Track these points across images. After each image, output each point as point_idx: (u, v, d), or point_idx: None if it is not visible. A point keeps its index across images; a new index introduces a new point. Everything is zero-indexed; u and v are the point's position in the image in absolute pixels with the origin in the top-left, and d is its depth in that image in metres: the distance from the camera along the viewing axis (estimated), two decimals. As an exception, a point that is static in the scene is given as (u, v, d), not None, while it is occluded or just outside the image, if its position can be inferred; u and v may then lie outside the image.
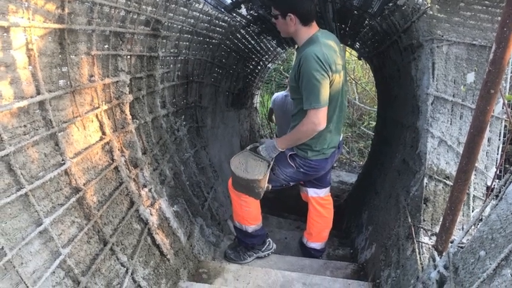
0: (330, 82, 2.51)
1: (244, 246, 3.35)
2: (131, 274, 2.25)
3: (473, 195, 2.38)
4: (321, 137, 2.72)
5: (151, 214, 2.61)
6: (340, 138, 3.00)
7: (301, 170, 2.88)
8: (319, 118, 2.51)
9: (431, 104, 2.59)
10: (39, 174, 1.75)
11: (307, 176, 3.00)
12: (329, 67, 2.45)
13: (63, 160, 1.90)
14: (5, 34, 1.53)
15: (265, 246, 3.39)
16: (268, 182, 2.89)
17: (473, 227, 1.83)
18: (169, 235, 2.79)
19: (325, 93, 2.48)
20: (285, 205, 4.99)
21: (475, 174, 2.42)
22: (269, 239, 3.45)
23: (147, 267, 2.43)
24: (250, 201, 3.06)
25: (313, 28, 2.63)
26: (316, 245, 3.48)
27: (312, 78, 2.43)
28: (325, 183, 3.28)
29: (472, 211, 2.32)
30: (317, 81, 2.43)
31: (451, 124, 2.55)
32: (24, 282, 1.54)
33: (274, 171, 2.90)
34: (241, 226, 3.23)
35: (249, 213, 3.15)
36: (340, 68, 2.60)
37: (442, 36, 2.55)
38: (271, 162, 2.85)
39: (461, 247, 1.49)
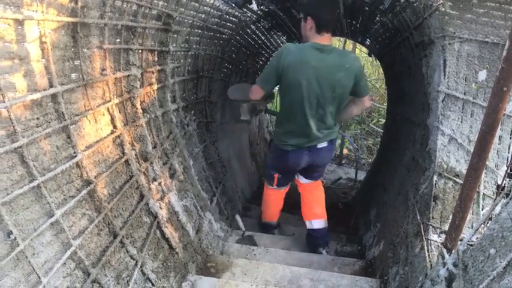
0: (280, 75, 2.79)
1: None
2: (140, 267, 2.27)
3: (483, 193, 2.37)
4: (284, 128, 3.10)
5: (160, 208, 2.62)
6: (318, 146, 3.09)
7: (273, 155, 3.36)
8: (252, 90, 3.04)
9: (442, 101, 2.58)
10: (51, 166, 1.77)
11: (281, 163, 3.33)
12: (286, 62, 2.72)
13: (74, 153, 1.92)
14: (19, 27, 1.55)
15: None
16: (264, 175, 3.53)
17: (482, 225, 1.83)
18: (178, 229, 2.81)
19: (266, 77, 2.92)
20: (293, 201, 4.99)
21: (485, 173, 2.41)
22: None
23: (156, 260, 2.45)
24: (271, 197, 3.69)
25: (324, 39, 2.77)
26: (314, 223, 3.57)
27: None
28: (313, 178, 3.53)
29: (482, 209, 2.31)
30: (268, 64, 2.90)
31: (461, 122, 2.53)
32: (36, 273, 1.56)
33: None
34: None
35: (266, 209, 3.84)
36: (311, 78, 2.74)
37: (454, 33, 2.53)
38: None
39: (471, 245, 1.49)
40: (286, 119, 3.06)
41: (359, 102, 3.05)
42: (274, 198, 3.69)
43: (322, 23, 2.73)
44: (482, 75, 2.48)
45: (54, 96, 1.79)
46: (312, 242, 3.60)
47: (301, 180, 3.54)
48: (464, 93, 2.53)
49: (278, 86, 3.00)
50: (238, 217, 4.04)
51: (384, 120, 7.08)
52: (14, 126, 1.53)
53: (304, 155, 3.15)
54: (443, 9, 2.56)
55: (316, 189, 3.60)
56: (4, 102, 1.48)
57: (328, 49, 2.76)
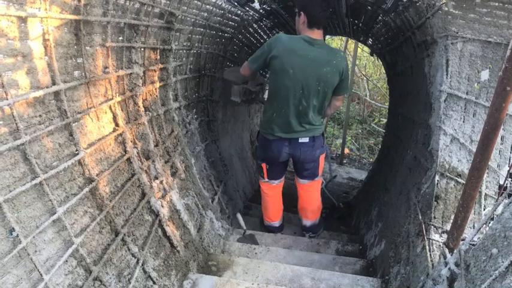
0: (268, 61, 2.95)
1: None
2: (142, 265, 2.27)
3: (485, 193, 2.37)
4: (267, 115, 3.22)
5: (162, 206, 2.63)
6: (300, 140, 3.23)
7: (259, 144, 3.49)
8: (243, 66, 3.26)
9: (444, 101, 2.57)
10: (54, 163, 1.77)
11: (265, 152, 3.42)
12: (275, 50, 2.88)
13: (77, 150, 1.92)
14: (22, 24, 1.55)
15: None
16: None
17: (485, 225, 1.83)
18: (179, 227, 2.81)
19: (255, 58, 3.08)
20: (294, 201, 4.99)
21: (487, 173, 2.40)
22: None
23: (157, 259, 2.45)
24: (266, 194, 3.70)
25: (315, 34, 2.94)
26: (304, 222, 3.86)
27: None
28: (306, 177, 3.57)
29: (484, 209, 2.30)
30: (260, 47, 3.02)
31: (463, 122, 2.53)
32: (38, 270, 1.56)
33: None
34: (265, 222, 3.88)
35: (265, 209, 3.81)
36: (297, 68, 2.88)
37: (457, 33, 2.53)
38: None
39: (473, 245, 1.49)
40: (270, 106, 3.19)
41: (333, 101, 3.20)
42: (270, 194, 3.71)
43: (313, 19, 2.90)
44: (485, 75, 2.47)
45: (56, 94, 1.80)
46: (304, 231, 3.94)
47: (299, 180, 3.64)
48: (467, 93, 2.53)
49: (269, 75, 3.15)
50: (239, 216, 4.04)
51: (386, 120, 7.07)
52: (16, 124, 1.54)
53: (285, 147, 3.27)
54: (446, 8, 2.55)
55: (310, 191, 3.69)
56: (7, 99, 1.49)
57: (317, 43, 2.90)
